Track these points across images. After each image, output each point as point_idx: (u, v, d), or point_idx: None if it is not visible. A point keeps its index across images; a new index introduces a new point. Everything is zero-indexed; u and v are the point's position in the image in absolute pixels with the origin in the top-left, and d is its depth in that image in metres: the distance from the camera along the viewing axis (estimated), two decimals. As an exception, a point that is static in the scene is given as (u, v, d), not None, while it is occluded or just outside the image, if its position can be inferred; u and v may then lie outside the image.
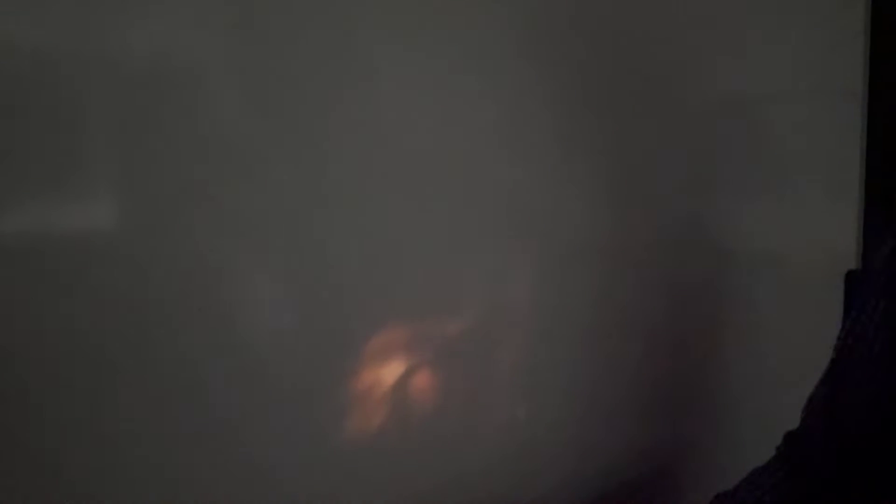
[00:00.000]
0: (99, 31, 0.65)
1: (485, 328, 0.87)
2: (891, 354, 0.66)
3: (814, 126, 1.07)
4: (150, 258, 0.69)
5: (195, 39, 0.69)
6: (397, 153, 0.79)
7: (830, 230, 1.10)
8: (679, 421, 1.03)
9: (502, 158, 0.85)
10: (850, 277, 0.98)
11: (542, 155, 0.88)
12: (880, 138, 1.11)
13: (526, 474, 0.90)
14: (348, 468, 0.80)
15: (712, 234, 1.04)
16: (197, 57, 0.70)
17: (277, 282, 0.76)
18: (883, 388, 0.66)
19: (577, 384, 0.94)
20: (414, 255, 0.81)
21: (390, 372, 0.82)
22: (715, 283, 1.04)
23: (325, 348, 0.78)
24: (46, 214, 0.65)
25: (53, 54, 0.63)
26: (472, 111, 0.83)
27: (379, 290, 0.80)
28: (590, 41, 0.90)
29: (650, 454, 1.00)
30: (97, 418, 0.68)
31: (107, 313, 0.67)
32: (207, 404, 0.72)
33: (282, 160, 0.74)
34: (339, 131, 0.76)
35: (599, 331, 0.94)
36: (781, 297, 1.05)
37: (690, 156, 1.00)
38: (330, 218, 0.76)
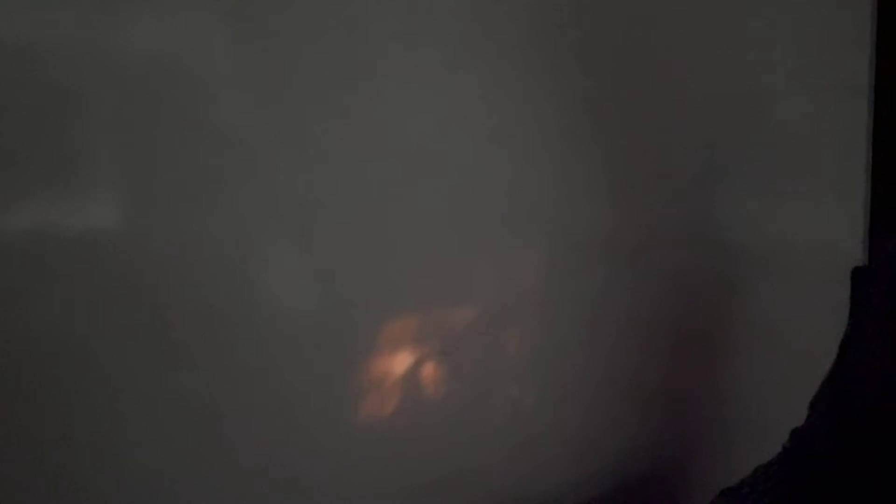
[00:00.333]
0: (102, 28, 0.66)
1: (491, 320, 0.88)
2: (892, 348, 0.66)
3: (819, 121, 1.08)
4: (154, 256, 0.69)
5: (198, 36, 0.70)
6: (404, 147, 0.80)
7: (836, 226, 1.11)
8: (685, 416, 1.04)
9: (508, 153, 0.86)
10: (857, 274, 0.98)
11: (548, 149, 0.89)
12: (886, 134, 1.11)
13: (531, 466, 0.91)
14: (358, 457, 0.81)
15: (717, 230, 1.04)
16: (200, 54, 0.70)
17: (285, 276, 0.77)
18: (889, 386, 0.66)
19: (583, 378, 0.94)
20: (421, 249, 0.82)
21: (399, 362, 0.83)
22: (720, 279, 1.05)
23: (333, 340, 0.79)
24: (48, 213, 0.66)
25: (54, 52, 0.64)
26: (479, 106, 0.84)
27: (387, 284, 0.81)
28: (594, 37, 0.91)
29: (655, 450, 1.01)
30: (104, 417, 0.69)
31: (111, 311, 0.68)
32: (217, 398, 0.73)
33: (287, 155, 0.74)
34: (344, 126, 0.76)
35: (604, 326, 0.95)
36: (787, 292, 1.06)
37: (695, 151, 1.01)
38: (337, 212, 0.77)
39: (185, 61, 0.70)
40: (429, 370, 0.85)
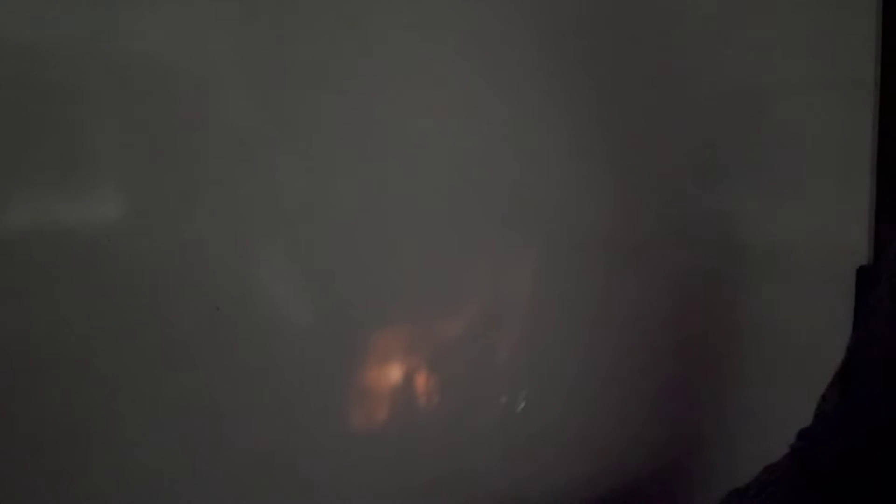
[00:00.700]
0: (103, 27, 0.66)
1: (492, 321, 0.89)
2: None
3: (823, 119, 1.08)
4: (153, 255, 0.70)
5: (199, 35, 0.70)
6: (405, 148, 0.80)
7: (841, 225, 1.11)
8: (686, 417, 1.05)
9: (509, 153, 0.87)
10: (862, 273, 0.99)
11: (548, 150, 0.89)
12: (892, 131, 1.11)
13: (532, 466, 0.92)
14: (357, 458, 0.82)
15: (720, 230, 1.05)
16: (201, 53, 0.71)
17: (285, 276, 0.77)
18: None
19: (584, 378, 0.95)
20: (421, 249, 0.83)
21: (399, 363, 0.83)
22: (722, 278, 1.05)
23: (333, 340, 0.79)
24: (48, 212, 0.66)
25: (55, 51, 0.64)
26: (480, 108, 0.84)
27: (387, 284, 0.81)
28: (597, 36, 0.91)
29: (657, 450, 1.02)
30: (103, 416, 0.69)
31: (110, 310, 0.68)
32: (216, 398, 0.74)
33: (287, 155, 0.75)
34: (345, 127, 0.77)
35: (605, 326, 0.95)
36: (791, 292, 1.06)
37: (697, 150, 1.01)
38: (338, 212, 0.78)
39: (185, 60, 0.70)
40: (429, 371, 0.85)
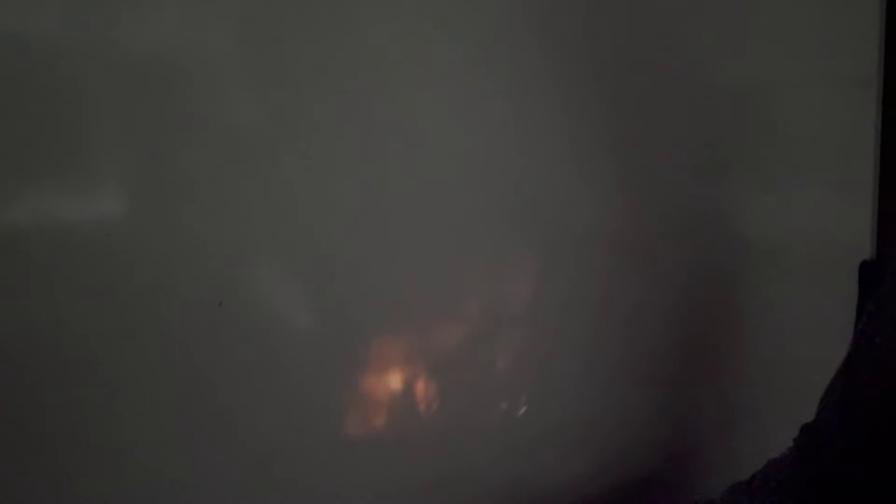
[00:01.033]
0: (104, 24, 0.67)
1: (494, 322, 0.89)
2: None
3: (826, 115, 1.08)
4: (154, 254, 0.70)
5: (202, 32, 0.71)
6: (404, 149, 0.81)
7: (844, 220, 1.11)
8: (691, 415, 1.05)
9: (509, 154, 0.87)
10: (865, 268, 0.99)
11: (551, 149, 0.90)
12: (895, 126, 1.12)
13: (534, 464, 0.93)
14: (354, 461, 0.82)
15: (722, 227, 1.05)
16: (202, 51, 0.71)
17: (285, 276, 0.78)
18: None
19: (585, 378, 0.96)
20: (421, 250, 0.84)
21: (397, 363, 0.84)
22: (725, 276, 1.06)
23: (331, 343, 0.80)
24: (49, 210, 0.67)
25: (56, 48, 0.65)
26: (480, 106, 0.85)
27: (386, 285, 0.82)
28: (599, 33, 0.92)
29: (661, 449, 1.02)
30: (103, 415, 0.70)
31: (110, 309, 0.69)
32: (217, 398, 0.74)
33: (288, 155, 0.76)
34: (345, 130, 0.78)
35: (608, 325, 0.96)
36: (794, 288, 1.06)
37: (700, 147, 1.02)
38: (339, 212, 0.78)
39: (187, 59, 0.70)
40: (429, 372, 0.86)
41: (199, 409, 0.74)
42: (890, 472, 0.69)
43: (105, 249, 0.69)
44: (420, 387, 0.86)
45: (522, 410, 0.93)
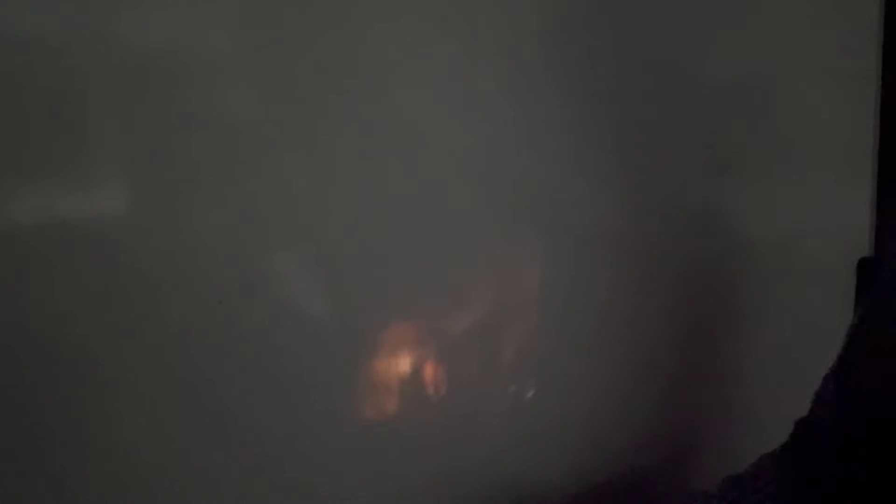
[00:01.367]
0: (106, 19, 0.68)
1: (496, 316, 0.90)
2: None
3: (826, 112, 1.10)
4: (157, 249, 0.71)
5: (205, 29, 0.72)
6: (408, 144, 0.82)
7: (843, 217, 1.12)
8: (690, 408, 1.06)
9: (513, 150, 0.88)
10: (863, 265, 1.00)
11: (553, 146, 0.91)
12: (894, 124, 1.12)
13: (534, 457, 0.94)
14: (360, 451, 0.83)
15: (722, 223, 1.06)
16: (205, 47, 0.72)
17: (289, 271, 0.79)
18: (893, 381, 0.67)
19: (588, 371, 0.97)
20: (425, 242, 0.84)
21: (403, 357, 0.85)
22: (724, 272, 1.07)
23: (335, 334, 0.81)
24: (51, 204, 0.67)
25: (58, 43, 0.66)
26: (482, 103, 0.86)
27: (392, 276, 0.83)
28: (600, 31, 0.93)
29: (662, 442, 1.03)
30: (104, 409, 0.71)
31: (113, 304, 0.70)
32: (214, 396, 0.75)
33: (290, 152, 0.76)
34: (348, 124, 0.78)
35: (609, 320, 0.97)
36: (793, 285, 1.08)
37: (700, 144, 1.02)
38: (341, 207, 0.79)
39: (190, 54, 0.71)
40: (433, 365, 0.87)
41: (201, 405, 0.75)
42: (883, 466, 0.69)
43: (106, 246, 0.69)
44: (425, 378, 0.86)
45: (530, 395, 0.93)
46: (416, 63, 0.82)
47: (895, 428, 0.67)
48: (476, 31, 0.84)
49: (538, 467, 0.94)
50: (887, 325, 0.70)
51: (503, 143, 0.88)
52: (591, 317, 0.96)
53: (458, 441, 0.89)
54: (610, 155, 0.95)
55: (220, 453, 0.76)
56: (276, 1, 0.74)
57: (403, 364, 0.85)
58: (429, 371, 0.87)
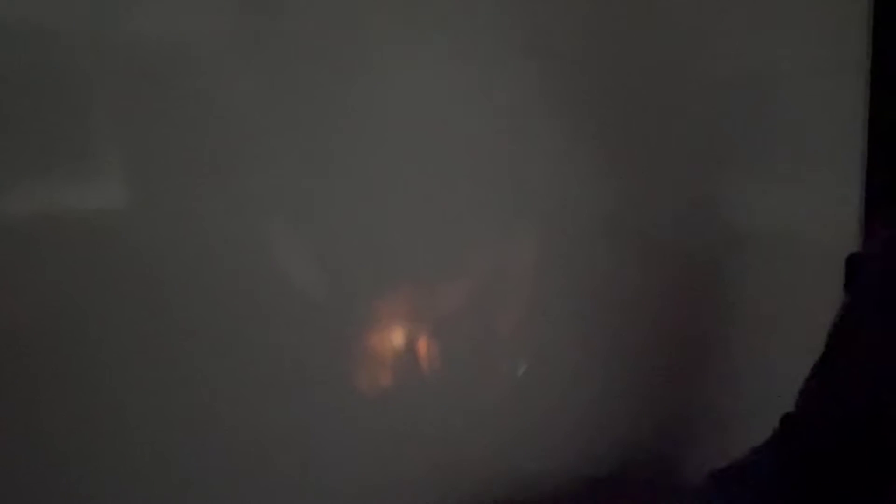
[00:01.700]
0: (107, 11, 0.69)
1: (489, 299, 0.91)
2: (883, 342, 0.69)
3: (815, 109, 1.10)
4: (157, 237, 0.73)
5: (203, 20, 0.73)
6: (403, 124, 0.83)
7: (832, 214, 1.13)
8: (680, 399, 1.07)
9: (509, 133, 0.89)
10: (851, 261, 1.00)
11: (549, 132, 0.91)
12: (882, 119, 1.13)
13: (527, 445, 0.95)
14: (356, 425, 0.85)
15: (713, 219, 1.07)
16: (205, 37, 0.73)
17: (285, 255, 0.80)
18: (875, 377, 0.69)
19: (580, 357, 0.97)
20: (421, 228, 0.86)
21: (396, 338, 0.86)
22: (716, 263, 1.07)
23: (334, 315, 0.83)
24: (53, 195, 0.69)
25: (60, 34, 0.67)
26: (481, 85, 0.86)
27: (388, 261, 0.84)
28: (598, 26, 0.94)
29: (650, 431, 1.04)
30: (104, 399, 0.73)
31: (114, 292, 0.72)
32: (218, 381, 0.77)
33: (289, 136, 0.77)
34: (344, 108, 0.79)
35: (602, 306, 0.98)
36: (784, 279, 1.08)
37: (693, 137, 1.03)
38: (336, 190, 0.80)
39: (189, 45, 0.72)
40: (424, 346, 0.88)
41: (202, 391, 0.77)
42: (865, 461, 0.71)
43: (108, 234, 0.71)
44: (420, 355, 0.88)
45: (521, 372, 0.95)
46: (415, 49, 0.83)
47: (874, 421, 0.69)
48: (475, 19, 0.85)
49: (529, 455, 0.95)
50: (867, 322, 0.72)
51: (500, 126, 0.88)
52: (582, 304, 0.96)
53: (456, 412, 0.90)
54: (607, 145, 0.96)
55: (217, 427, 0.78)
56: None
57: (399, 337, 0.86)
58: (419, 354, 0.88)
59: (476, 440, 0.91)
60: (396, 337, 0.86)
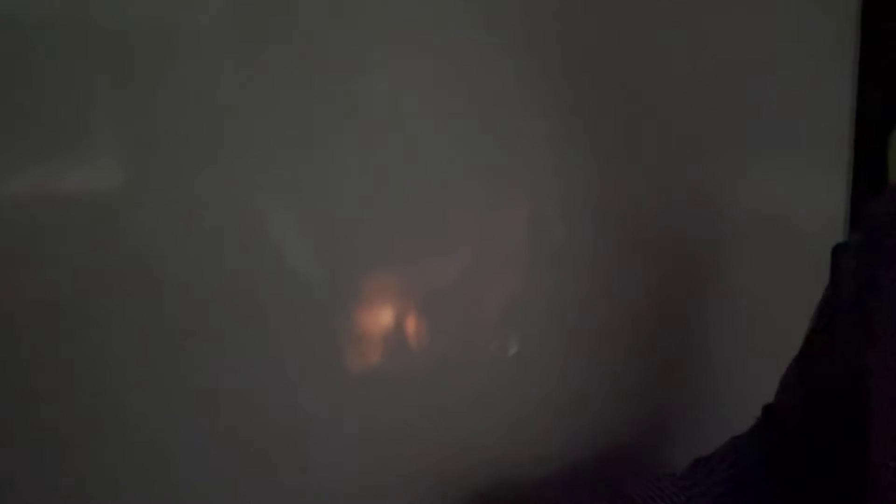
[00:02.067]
0: None
1: (476, 278, 0.92)
2: (857, 336, 0.70)
3: (803, 100, 1.11)
4: (153, 223, 0.73)
5: (205, 6, 0.73)
6: (394, 112, 0.83)
7: (818, 204, 1.15)
8: (664, 389, 1.08)
9: (500, 118, 0.89)
10: (836, 252, 1.02)
11: (540, 118, 0.92)
12: (869, 107, 1.15)
13: (513, 426, 0.96)
14: (346, 399, 0.86)
15: (703, 202, 1.07)
16: (201, 20, 0.73)
17: (277, 236, 0.80)
18: (852, 370, 0.70)
19: (567, 343, 0.98)
20: (411, 203, 0.86)
21: (385, 317, 0.87)
22: (704, 253, 1.09)
23: (325, 290, 0.83)
24: (46, 179, 0.69)
25: (53, 17, 0.67)
26: (471, 64, 0.86)
27: (378, 237, 0.85)
28: (587, 11, 0.94)
29: (634, 420, 1.06)
30: (96, 381, 0.73)
31: (110, 277, 0.72)
32: (213, 349, 0.78)
33: (277, 117, 0.77)
34: (336, 92, 0.79)
35: (589, 287, 0.98)
36: (770, 270, 1.10)
37: (681, 126, 1.03)
38: (330, 169, 0.81)
39: (186, 29, 0.72)
40: (413, 324, 0.88)
41: (201, 361, 0.77)
42: (843, 451, 0.73)
43: (104, 219, 0.71)
44: (409, 332, 0.88)
45: (512, 353, 0.95)
46: (403, 35, 0.83)
47: (854, 412, 0.70)
48: (467, 3, 0.86)
49: (516, 439, 0.96)
50: (844, 315, 0.73)
51: (492, 109, 0.89)
52: (569, 285, 0.97)
53: (445, 387, 0.91)
54: (595, 129, 0.97)
55: (209, 401, 0.78)
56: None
57: (380, 321, 0.87)
58: (415, 319, 0.88)
59: (464, 425, 0.93)
60: (378, 319, 0.87)
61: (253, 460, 0.82)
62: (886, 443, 0.63)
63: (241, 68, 0.75)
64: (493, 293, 0.94)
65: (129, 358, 0.74)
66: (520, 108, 0.91)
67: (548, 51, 0.91)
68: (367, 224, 0.84)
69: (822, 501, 0.79)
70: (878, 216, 0.71)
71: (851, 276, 0.73)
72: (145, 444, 0.76)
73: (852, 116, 1.16)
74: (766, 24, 1.07)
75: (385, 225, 0.85)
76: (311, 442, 0.85)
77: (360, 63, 0.80)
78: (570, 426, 1.01)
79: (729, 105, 1.06)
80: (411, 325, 0.88)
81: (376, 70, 0.82)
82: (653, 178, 1.02)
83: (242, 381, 0.80)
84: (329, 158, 0.80)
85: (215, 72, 0.74)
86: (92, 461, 0.74)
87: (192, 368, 0.77)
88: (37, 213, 0.69)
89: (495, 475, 0.96)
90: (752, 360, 1.03)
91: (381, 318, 0.87)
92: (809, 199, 1.14)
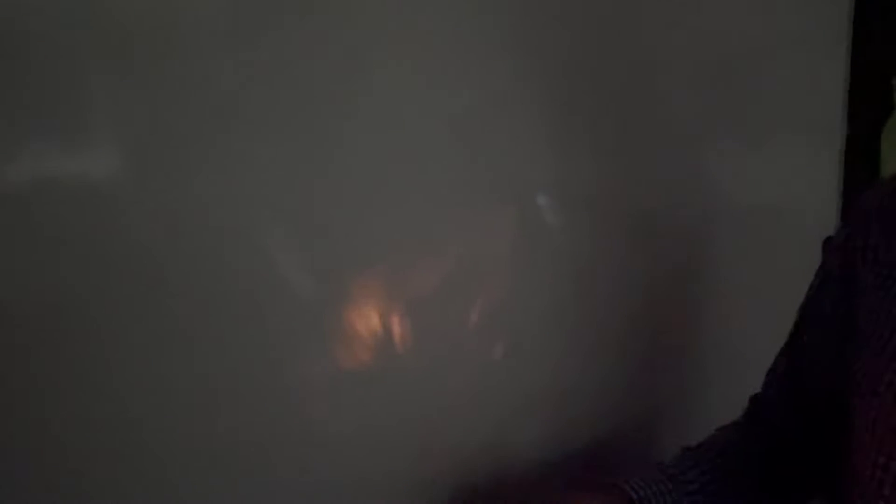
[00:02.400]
0: None
1: (466, 278, 0.92)
2: (842, 330, 0.71)
3: (797, 90, 1.12)
4: (152, 216, 0.73)
5: (199, 3, 0.73)
6: (385, 114, 0.83)
7: (810, 196, 1.15)
8: (653, 380, 1.09)
9: (489, 115, 0.90)
10: (825, 246, 1.02)
11: (530, 115, 0.92)
12: (861, 99, 1.16)
13: (502, 421, 0.96)
14: (344, 398, 0.86)
15: (695, 197, 1.08)
16: (202, 13, 0.73)
17: (273, 231, 0.81)
18: (836, 363, 0.72)
19: (557, 338, 0.99)
20: (411, 202, 0.87)
21: (373, 317, 0.87)
22: (696, 243, 1.10)
23: (324, 290, 0.83)
24: (45, 166, 0.69)
25: (51, 8, 0.67)
26: (462, 61, 0.87)
27: (378, 236, 0.85)
28: (581, 8, 0.94)
29: (623, 411, 1.06)
30: (91, 373, 0.73)
31: (108, 266, 0.72)
32: (212, 349, 0.78)
33: (279, 116, 0.78)
34: (328, 95, 0.80)
35: (580, 284, 0.99)
36: (761, 263, 1.11)
37: (674, 114, 1.04)
38: (330, 168, 0.81)
39: (187, 23, 0.73)
40: (402, 324, 0.88)
41: (196, 354, 0.77)
42: (825, 442, 0.74)
43: (102, 209, 0.71)
44: (399, 330, 0.88)
45: (502, 355, 0.96)
46: (401, 32, 0.83)
47: (836, 404, 0.71)
48: (467, 4, 0.86)
49: (505, 433, 0.97)
50: (829, 309, 0.75)
51: (480, 107, 0.89)
52: (560, 281, 0.98)
53: (433, 386, 0.91)
54: (586, 123, 0.97)
55: (216, 424, 0.79)
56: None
57: (375, 320, 0.87)
58: (404, 321, 0.88)
59: (458, 423, 0.93)
60: (373, 318, 0.87)
61: (252, 460, 0.82)
62: (868, 436, 0.64)
63: (242, 68, 0.76)
64: (490, 292, 0.94)
65: (129, 358, 0.75)
66: (519, 108, 0.91)
67: (545, 48, 0.92)
68: (367, 223, 0.84)
69: (806, 491, 0.80)
70: (865, 212, 0.72)
71: (838, 271, 0.74)
72: (145, 444, 0.77)
73: (845, 110, 1.17)
74: (759, 19, 1.08)
75: (385, 224, 0.85)
76: (311, 442, 0.85)
77: (356, 70, 0.81)
78: (563, 420, 1.01)
79: (722, 100, 1.07)
80: (410, 324, 0.89)
81: (372, 78, 0.82)
82: (648, 174, 1.03)
83: (242, 382, 0.80)
84: (329, 158, 0.81)
85: (215, 72, 0.75)
86: (92, 461, 0.75)
87: (192, 368, 0.78)
88: (36, 212, 0.69)
89: (491, 471, 0.97)
90: (743, 354, 1.03)
91: (381, 317, 0.87)
92: (802, 191, 1.15)
